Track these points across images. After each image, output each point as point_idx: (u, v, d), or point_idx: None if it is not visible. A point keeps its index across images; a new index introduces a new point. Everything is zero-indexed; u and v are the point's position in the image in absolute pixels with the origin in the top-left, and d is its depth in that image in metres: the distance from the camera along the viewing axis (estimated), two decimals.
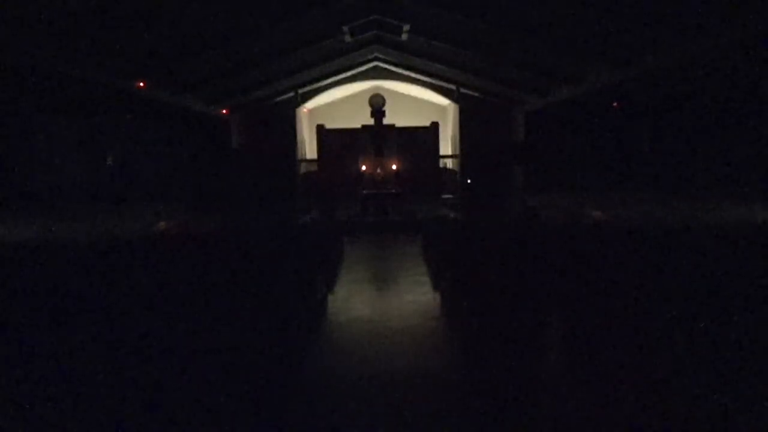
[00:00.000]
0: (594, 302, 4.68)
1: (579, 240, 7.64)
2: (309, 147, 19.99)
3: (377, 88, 18.38)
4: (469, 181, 17.97)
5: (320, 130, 18.07)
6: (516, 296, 5.08)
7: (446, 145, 19.64)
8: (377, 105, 15.57)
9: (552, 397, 3.60)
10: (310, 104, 19.49)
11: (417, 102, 20.65)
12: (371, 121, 15.50)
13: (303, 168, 18.94)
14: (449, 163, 19.77)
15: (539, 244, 7.22)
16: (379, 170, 15.19)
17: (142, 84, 10.73)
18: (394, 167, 15.37)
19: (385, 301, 6.69)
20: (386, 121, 15.72)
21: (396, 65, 16.98)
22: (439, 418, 3.41)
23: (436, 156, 18.48)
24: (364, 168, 15.49)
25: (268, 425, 3.24)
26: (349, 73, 17.40)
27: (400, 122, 17.29)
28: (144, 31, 8.89)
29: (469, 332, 4.93)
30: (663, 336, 3.96)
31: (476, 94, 17.64)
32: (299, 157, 18.60)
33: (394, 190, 14.79)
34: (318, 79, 17.14)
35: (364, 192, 14.81)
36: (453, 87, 17.58)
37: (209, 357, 3.60)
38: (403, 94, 20.15)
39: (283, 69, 14.45)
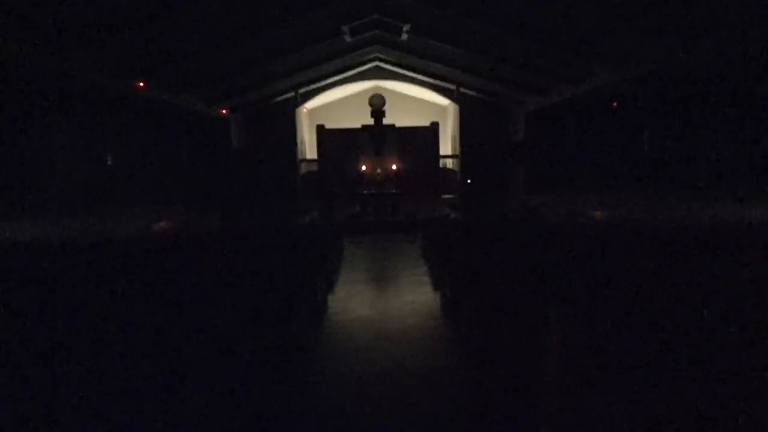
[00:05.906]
0: (593, 301, 4.68)
1: (578, 240, 7.64)
2: (309, 147, 20.00)
3: (377, 88, 18.41)
4: (469, 181, 17.97)
5: (320, 130, 18.08)
6: (516, 296, 5.08)
7: (446, 145, 19.64)
8: (377, 105, 15.60)
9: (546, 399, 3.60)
10: (310, 104, 19.50)
11: (417, 102, 20.67)
12: (371, 121, 15.51)
13: (303, 168, 18.95)
14: (449, 163, 19.77)
15: (539, 244, 7.22)
16: (379, 170, 15.22)
17: (142, 84, 10.74)
18: (394, 167, 15.39)
19: (385, 301, 6.69)
20: (386, 121, 15.74)
21: (396, 65, 16.98)
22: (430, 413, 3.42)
23: (436, 156, 18.49)
24: (364, 168, 15.51)
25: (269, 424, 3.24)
26: (349, 73, 17.41)
27: (400, 122, 17.29)
28: (144, 31, 8.90)
29: (468, 332, 4.93)
30: (664, 333, 3.95)
31: (476, 94, 17.64)
32: (299, 157, 18.61)
33: (394, 190, 14.81)
34: (318, 79, 17.15)
35: (364, 192, 14.82)
36: (453, 87, 17.58)
37: (209, 359, 3.59)
38: (403, 94, 20.16)
39: (283, 69, 14.46)
